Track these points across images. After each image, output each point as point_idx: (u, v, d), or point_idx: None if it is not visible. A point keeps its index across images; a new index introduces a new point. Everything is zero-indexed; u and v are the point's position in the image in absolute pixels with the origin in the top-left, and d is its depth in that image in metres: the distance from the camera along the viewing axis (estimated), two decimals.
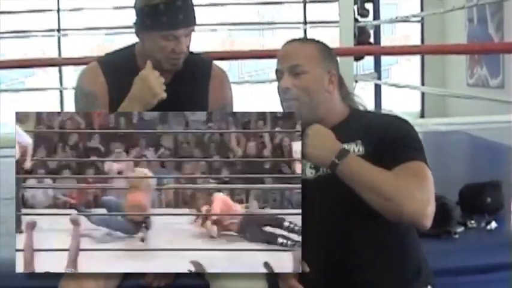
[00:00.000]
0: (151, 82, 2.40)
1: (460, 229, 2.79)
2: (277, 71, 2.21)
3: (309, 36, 2.39)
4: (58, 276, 2.21)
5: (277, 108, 2.26)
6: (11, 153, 2.93)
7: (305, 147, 2.04)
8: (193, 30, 2.47)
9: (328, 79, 2.19)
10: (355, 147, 2.12)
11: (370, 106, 7.90)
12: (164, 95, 2.40)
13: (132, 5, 2.47)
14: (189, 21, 2.44)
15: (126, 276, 2.34)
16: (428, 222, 1.98)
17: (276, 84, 2.22)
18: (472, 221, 2.86)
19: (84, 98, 2.53)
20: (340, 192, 2.02)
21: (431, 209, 1.98)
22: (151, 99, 2.40)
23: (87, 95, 2.52)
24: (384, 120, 2.19)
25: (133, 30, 2.51)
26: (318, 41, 2.26)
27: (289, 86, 2.15)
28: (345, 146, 2.11)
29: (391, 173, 2.00)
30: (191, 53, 2.52)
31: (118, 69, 2.53)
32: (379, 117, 2.27)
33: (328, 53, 2.24)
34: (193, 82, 2.57)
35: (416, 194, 1.96)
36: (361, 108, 2.30)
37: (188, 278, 2.35)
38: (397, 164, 2.03)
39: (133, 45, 2.59)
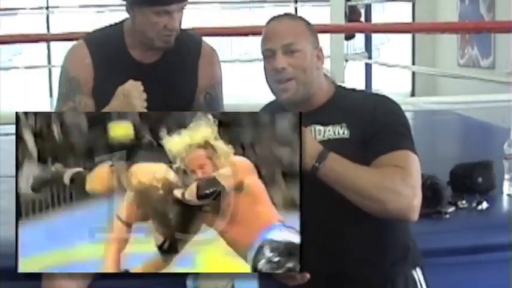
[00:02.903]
0: (134, 100, 2.30)
1: (451, 209, 2.78)
2: (266, 50, 2.11)
3: (300, 14, 2.35)
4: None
5: (266, 87, 2.20)
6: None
7: None
8: (185, 5, 2.43)
9: (316, 55, 2.14)
10: (340, 130, 2.08)
11: (361, 85, 7.90)
12: (144, 110, 2.29)
13: None
14: None
15: (100, 276, 2.27)
16: (415, 215, 1.97)
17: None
18: (463, 201, 2.85)
19: (67, 84, 2.50)
20: (317, 178, 1.97)
21: (417, 202, 1.96)
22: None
23: (71, 80, 2.49)
24: (370, 102, 2.14)
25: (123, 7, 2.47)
26: (300, 17, 2.21)
27: (285, 65, 2.08)
28: (330, 128, 2.09)
29: (373, 169, 1.98)
30: (181, 30, 2.49)
31: (105, 48, 2.50)
32: (366, 97, 2.20)
33: (312, 29, 2.18)
34: (182, 60, 2.53)
35: (401, 189, 1.93)
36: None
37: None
38: (383, 153, 2.00)
39: (121, 22, 2.55)
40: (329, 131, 2.09)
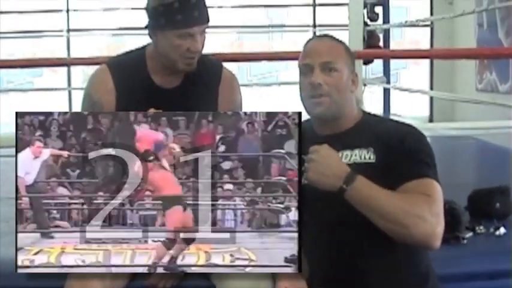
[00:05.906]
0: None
1: (469, 234, 2.78)
2: (304, 65, 2.17)
3: None
4: (58, 276, 2.19)
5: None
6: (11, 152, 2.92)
7: (310, 173, 2.01)
8: (207, 27, 2.46)
9: (351, 79, 2.20)
10: (367, 154, 2.11)
11: (379, 110, 7.89)
12: None
13: (142, 6, 2.48)
14: (203, 18, 2.43)
15: (133, 276, 2.31)
16: (437, 243, 2.00)
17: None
18: (481, 227, 2.85)
19: (90, 108, 2.52)
20: (343, 201, 2.00)
21: (440, 229, 1.99)
22: None
23: (94, 105, 2.50)
24: (399, 130, 2.17)
25: (141, 31, 2.50)
26: (341, 40, 2.26)
27: (321, 81, 2.13)
28: (356, 151, 2.11)
29: (400, 195, 2.00)
30: (201, 54, 2.51)
31: (127, 73, 2.52)
32: (395, 125, 2.23)
33: (351, 53, 2.24)
34: (202, 85, 2.55)
35: (426, 216, 1.96)
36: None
37: (195, 279, 2.33)
38: (408, 180, 2.03)
39: (143, 48, 2.58)
40: (355, 155, 2.12)
